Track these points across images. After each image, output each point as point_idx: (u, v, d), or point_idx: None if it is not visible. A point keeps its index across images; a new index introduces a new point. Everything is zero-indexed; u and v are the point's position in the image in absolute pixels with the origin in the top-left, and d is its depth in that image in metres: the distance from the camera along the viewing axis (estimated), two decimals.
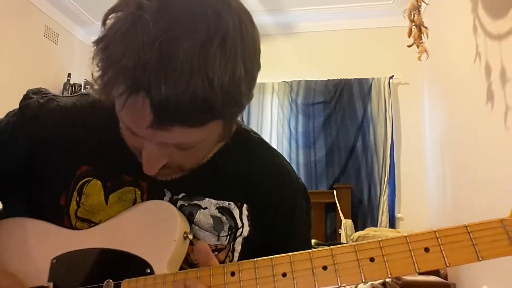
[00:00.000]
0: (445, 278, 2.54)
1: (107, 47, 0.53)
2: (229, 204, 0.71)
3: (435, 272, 2.43)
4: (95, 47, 0.54)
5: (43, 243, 0.68)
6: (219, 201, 0.70)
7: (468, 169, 2.30)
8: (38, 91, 0.75)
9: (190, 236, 0.66)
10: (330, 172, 3.36)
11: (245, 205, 0.71)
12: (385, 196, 3.25)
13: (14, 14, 3.15)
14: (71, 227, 0.70)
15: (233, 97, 0.54)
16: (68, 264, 0.66)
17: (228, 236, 0.70)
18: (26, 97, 0.74)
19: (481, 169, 2.09)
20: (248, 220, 0.71)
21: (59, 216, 0.70)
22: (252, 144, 0.77)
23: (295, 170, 3.20)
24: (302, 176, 3.35)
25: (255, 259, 0.56)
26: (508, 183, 1.78)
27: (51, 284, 0.65)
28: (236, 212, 0.71)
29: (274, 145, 3.45)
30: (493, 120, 1.94)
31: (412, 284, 2.20)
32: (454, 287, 2.44)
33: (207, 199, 0.70)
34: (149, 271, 0.62)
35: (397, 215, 3.28)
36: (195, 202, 0.70)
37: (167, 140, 0.56)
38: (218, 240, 0.70)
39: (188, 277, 0.58)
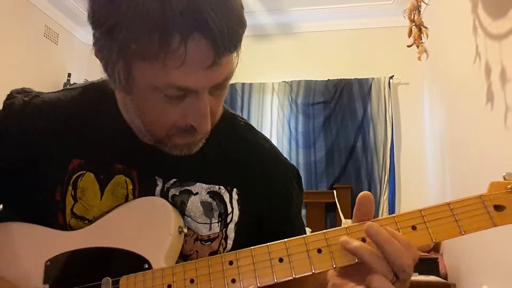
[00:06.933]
0: (445, 278, 2.54)
1: (138, 16, 0.52)
2: (219, 188, 0.72)
3: (435, 272, 2.43)
4: (106, 34, 0.55)
5: (35, 246, 0.68)
6: (209, 186, 0.71)
7: (468, 169, 2.30)
8: (22, 90, 0.75)
9: (185, 230, 0.67)
10: (330, 172, 3.35)
11: (235, 189, 0.73)
12: (385, 196, 3.24)
13: (14, 14, 3.14)
14: (64, 224, 0.69)
15: (242, 7, 0.58)
16: (63, 265, 0.66)
17: (219, 223, 0.71)
18: (10, 96, 0.74)
19: (481, 169, 2.09)
20: (238, 205, 0.72)
21: (53, 213, 0.69)
22: (239, 129, 0.78)
23: None
24: (302, 176, 3.33)
25: (252, 247, 0.57)
26: None
27: (47, 286, 0.65)
28: (226, 197, 0.72)
29: None
30: (493, 120, 1.94)
31: (412, 284, 2.20)
32: (454, 287, 2.44)
33: (198, 183, 0.71)
34: (147, 266, 0.62)
35: None
36: (186, 187, 0.70)
37: (219, 77, 0.58)
38: (210, 230, 0.70)
39: (186, 269, 0.59)
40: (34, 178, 0.71)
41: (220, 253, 0.71)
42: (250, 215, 0.74)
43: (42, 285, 0.65)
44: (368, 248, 0.51)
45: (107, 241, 0.66)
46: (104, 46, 0.58)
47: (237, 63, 0.64)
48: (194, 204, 0.70)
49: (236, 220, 0.72)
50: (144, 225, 0.66)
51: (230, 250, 0.71)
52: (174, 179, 0.71)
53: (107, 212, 0.69)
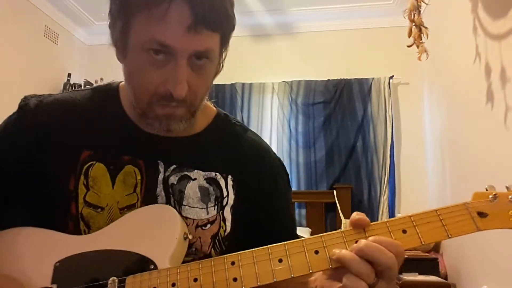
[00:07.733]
0: (445, 278, 2.54)
1: None
2: (215, 174, 0.79)
3: (435, 272, 2.43)
4: None
5: (45, 249, 0.71)
6: (207, 173, 0.78)
7: (468, 169, 2.30)
8: (35, 95, 0.83)
9: (190, 237, 0.70)
10: (330, 172, 3.36)
11: (230, 176, 0.80)
12: (385, 196, 3.24)
13: (14, 14, 3.15)
14: (76, 214, 0.73)
15: (230, 4, 0.67)
16: (72, 267, 0.68)
17: (215, 206, 0.77)
18: (25, 99, 0.81)
19: (481, 168, 2.09)
20: (234, 189, 0.79)
21: (67, 203, 0.73)
22: (231, 126, 0.87)
23: (295, 170, 3.19)
24: (302, 176, 3.36)
25: (253, 249, 0.60)
26: (508, 183, 1.78)
27: (55, 286, 0.67)
28: (222, 182, 0.79)
29: (274, 145, 3.45)
30: (493, 120, 1.94)
31: (412, 284, 2.21)
32: (454, 287, 2.44)
33: (196, 170, 0.78)
34: (152, 267, 0.64)
35: (397, 215, 3.26)
36: (186, 173, 0.77)
37: (199, 45, 0.65)
38: (207, 213, 0.76)
39: (190, 269, 0.61)
40: (48, 172, 0.75)
41: (221, 235, 0.77)
42: (245, 201, 0.80)
43: (50, 284, 0.67)
44: (350, 254, 0.55)
45: (115, 244, 0.68)
46: (111, 9, 0.68)
47: (224, 57, 0.75)
48: (192, 190, 0.76)
49: (232, 203, 0.79)
50: (151, 230, 0.69)
51: (230, 233, 0.77)
52: (174, 165, 0.77)
53: (119, 215, 0.73)
